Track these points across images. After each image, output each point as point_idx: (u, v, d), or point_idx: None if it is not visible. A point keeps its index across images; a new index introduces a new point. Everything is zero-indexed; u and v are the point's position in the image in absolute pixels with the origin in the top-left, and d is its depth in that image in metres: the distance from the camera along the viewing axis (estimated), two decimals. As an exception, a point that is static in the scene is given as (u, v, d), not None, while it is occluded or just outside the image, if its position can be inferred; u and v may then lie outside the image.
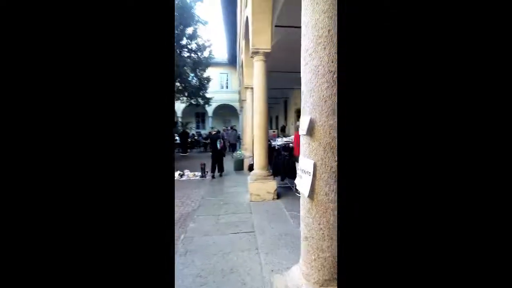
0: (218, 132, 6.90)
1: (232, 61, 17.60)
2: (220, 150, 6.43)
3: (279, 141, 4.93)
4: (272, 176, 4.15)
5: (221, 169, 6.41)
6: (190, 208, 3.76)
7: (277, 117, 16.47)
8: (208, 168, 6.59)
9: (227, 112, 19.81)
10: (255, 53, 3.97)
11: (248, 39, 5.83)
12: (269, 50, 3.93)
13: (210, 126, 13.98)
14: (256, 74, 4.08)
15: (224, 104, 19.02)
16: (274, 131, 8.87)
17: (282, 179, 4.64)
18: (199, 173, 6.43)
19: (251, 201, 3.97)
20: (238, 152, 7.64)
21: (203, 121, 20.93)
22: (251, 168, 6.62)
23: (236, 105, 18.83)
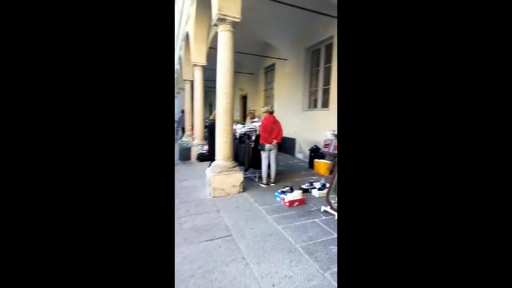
0: None
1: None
2: None
3: (241, 128, 4.42)
4: (237, 168, 3.68)
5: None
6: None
7: (211, 104, 15.62)
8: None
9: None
10: (221, 20, 3.28)
11: (201, 5, 4.95)
12: (238, 20, 3.32)
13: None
14: (221, 48, 3.41)
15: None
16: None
17: (246, 170, 4.23)
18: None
19: (214, 196, 3.42)
20: (183, 139, 6.71)
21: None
22: (201, 158, 5.93)
23: (171, 86, 16.85)
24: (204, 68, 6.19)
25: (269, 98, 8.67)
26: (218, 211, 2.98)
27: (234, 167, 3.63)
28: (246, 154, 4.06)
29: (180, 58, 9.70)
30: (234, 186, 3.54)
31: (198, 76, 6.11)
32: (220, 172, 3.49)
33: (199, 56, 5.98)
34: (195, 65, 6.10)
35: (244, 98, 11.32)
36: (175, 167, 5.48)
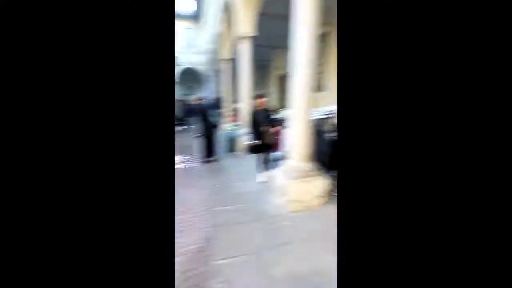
0: (207, 101, 5.05)
1: (197, 15, 14.43)
2: (214, 125, 4.67)
3: (316, 113, 3.32)
4: (318, 171, 2.68)
5: (212, 151, 4.70)
6: (197, 236, 2.09)
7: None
8: (193, 151, 4.80)
9: (191, 78, 16.88)
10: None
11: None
12: None
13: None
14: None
15: (189, 69, 15.98)
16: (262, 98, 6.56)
17: (328, 172, 3.21)
18: (186, 157, 4.63)
19: (290, 211, 2.48)
20: (230, 126, 5.85)
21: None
22: (252, 149, 5.04)
23: (203, 69, 16.08)
24: (253, 43, 5.10)
25: (319, 75, 7.36)
26: (314, 238, 2.03)
27: (314, 170, 2.63)
28: (324, 150, 3.01)
29: (217, 36, 8.70)
30: (317, 196, 2.56)
31: (244, 51, 5.06)
32: (297, 178, 2.51)
33: (246, 25, 4.89)
34: (240, 38, 5.04)
35: (282, 79, 10.07)
36: (223, 161, 4.68)
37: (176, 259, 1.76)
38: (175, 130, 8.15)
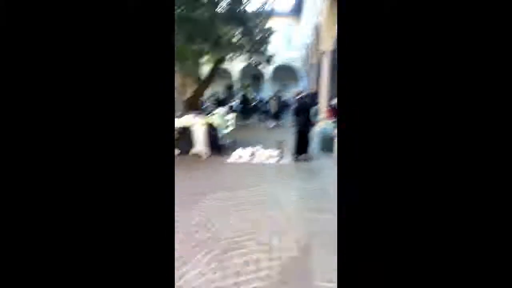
0: (304, 97, 4.84)
1: (297, 10, 14.28)
2: (310, 122, 4.45)
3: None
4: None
5: (306, 150, 4.47)
6: (291, 243, 1.91)
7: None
8: (286, 147, 4.73)
9: (286, 75, 17.06)
10: None
11: None
12: None
13: (276, 90, 11.78)
14: None
15: (283, 65, 16.21)
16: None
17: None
18: (276, 152, 4.62)
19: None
20: (326, 124, 5.44)
21: (257, 85, 18.73)
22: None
23: (298, 64, 15.92)
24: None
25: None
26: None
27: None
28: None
29: (316, 28, 8.27)
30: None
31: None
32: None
33: (355, 9, 4.27)
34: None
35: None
36: (317, 161, 4.35)
37: (270, 263, 1.65)
38: (270, 125, 8.48)
